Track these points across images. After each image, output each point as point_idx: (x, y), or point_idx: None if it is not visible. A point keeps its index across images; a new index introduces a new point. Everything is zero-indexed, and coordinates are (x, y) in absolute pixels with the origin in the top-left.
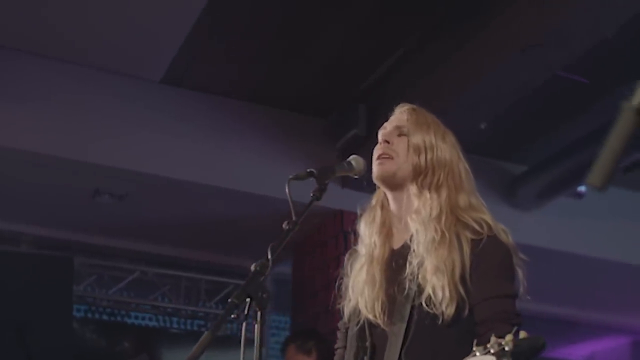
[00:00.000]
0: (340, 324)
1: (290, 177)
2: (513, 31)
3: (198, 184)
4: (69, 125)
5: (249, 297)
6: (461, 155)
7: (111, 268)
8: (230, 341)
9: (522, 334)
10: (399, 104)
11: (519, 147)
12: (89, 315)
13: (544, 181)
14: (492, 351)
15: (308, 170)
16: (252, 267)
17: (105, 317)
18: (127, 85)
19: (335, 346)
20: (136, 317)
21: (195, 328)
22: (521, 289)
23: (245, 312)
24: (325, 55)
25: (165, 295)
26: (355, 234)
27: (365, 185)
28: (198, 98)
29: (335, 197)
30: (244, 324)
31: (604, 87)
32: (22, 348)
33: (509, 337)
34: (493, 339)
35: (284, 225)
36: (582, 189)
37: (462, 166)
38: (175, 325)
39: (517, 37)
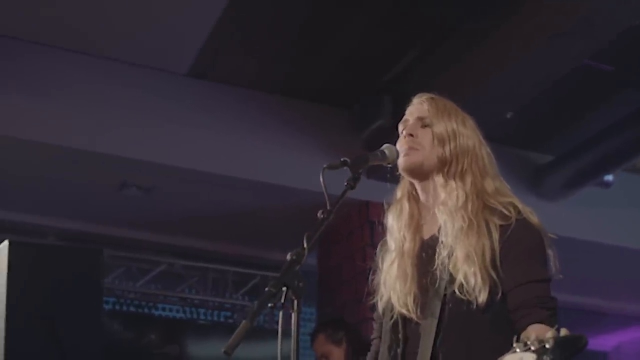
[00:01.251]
0: (375, 316)
1: (325, 166)
2: (539, 21)
3: (224, 175)
4: (95, 119)
5: (285, 286)
6: (482, 140)
7: (138, 260)
8: (259, 333)
9: (564, 331)
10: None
11: (545, 136)
12: (117, 307)
13: (570, 171)
14: (532, 348)
15: (342, 159)
16: (288, 256)
17: (132, 309)
18: (153, 79)
19: (372, 337)
20: (163, 309)
21: (222, 319)
22: (554, 270)
23: (282, 301)
24: (349, 47)
25: (192, 287)
26: (384, 227)
27: (389, 176)
28: (223, 90)
29: (360, 188)
30: (280, 313)
31: (630, 76)
32: (53, 341)
33: (550, 333)
34: (533, 335)
35: (318, 214)
36: (608, 178)
37: (485, 151)
38: (202, 317)
39: (544, 26)
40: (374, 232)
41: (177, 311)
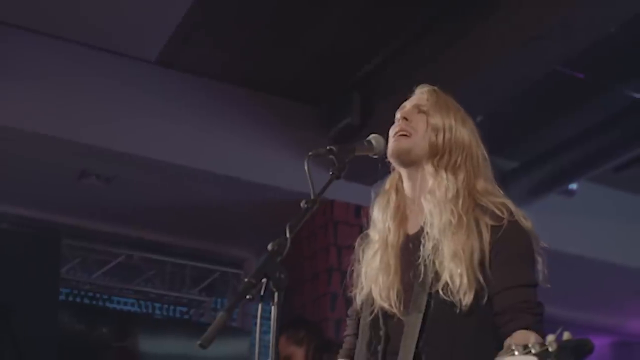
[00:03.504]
0: (350, 312)
1: (310, 153)
2: (515, 23)
3: (187, 167)
4: (57, 103)
5: (265, 277)
6: (480, 142)
7: (96, 251)
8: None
9: (567, 335)
10: (394, 94)
11: (511, 142)
12: (70, 298)
13: (534, 178)
14: (533, 351)
15: (328, 147)
16: (270, 247)
17: (86, 300)
18: (120, 65)
19: (345, 333)
20: (118, 302)
21: (178, 315)
22: (541, 278)
23: (262, 293)
24: (321, 42)
25: (149, 280)
26: (369, 221)
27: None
28: (190, 80)
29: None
30: (259, 306)
31: (600, 84)
32: (6, 329)
33: (551, 337)
34: (533, 338)
35: (302, 204)
36: (573, 186)
37: (481, 152)
38: (157, 312)
39: (520, 29)
40: (338, 232)
41: (132, 305)
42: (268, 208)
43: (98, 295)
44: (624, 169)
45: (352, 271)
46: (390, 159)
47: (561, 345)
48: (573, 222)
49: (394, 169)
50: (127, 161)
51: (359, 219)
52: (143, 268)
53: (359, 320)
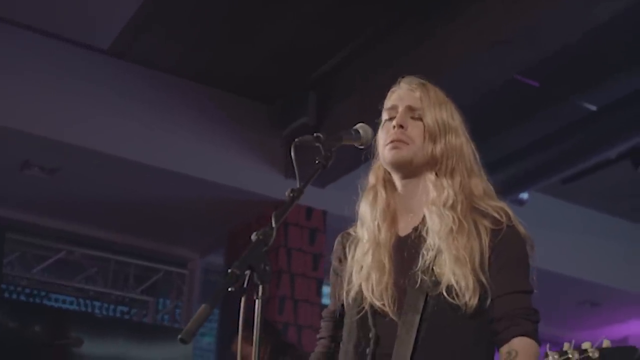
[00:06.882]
0: (325, 313)
1: (296, 140)
2: (480, 26)
3: (133, 161)
4: (0, 89)
5: (250, 268)
6: (468, 137)
7: (35, 246)
8: (160, 331)
9: (606, 343)
10: (351, 95)
11: None
12: (6, 294)
13: None
14: (571, 357)
15: (315, 134)
16: (254, 236)
17: (23, 297)
18: (69, 53)
19: (318, 336)
20: (56, 300)
21: (119, 314)
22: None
23: (245, 285)
24: (279, 39)
25: (90, 278)
26: (356, 219)
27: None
28: (142, 72)
29: (276, 187)
30: (242, 298)
31: (554, 94)
32: None
33: (587, 344)
34: (567, 345)
35: (287, 194)
36: (524, 195)
37: (470, 148)
38: (97, 310)
39: (484, 32)
40: (288, 234)
41: (71, 303)
42: (216, 207)
43: (36, 291)
44: (572, 181)
45: (329, 270)
46: (388, 167)
47: (605, 352)
48: None
49: (359, 165)
50: (73, 153)
51: (309, 221)
52: (84, 265)
53: (334, 322)
